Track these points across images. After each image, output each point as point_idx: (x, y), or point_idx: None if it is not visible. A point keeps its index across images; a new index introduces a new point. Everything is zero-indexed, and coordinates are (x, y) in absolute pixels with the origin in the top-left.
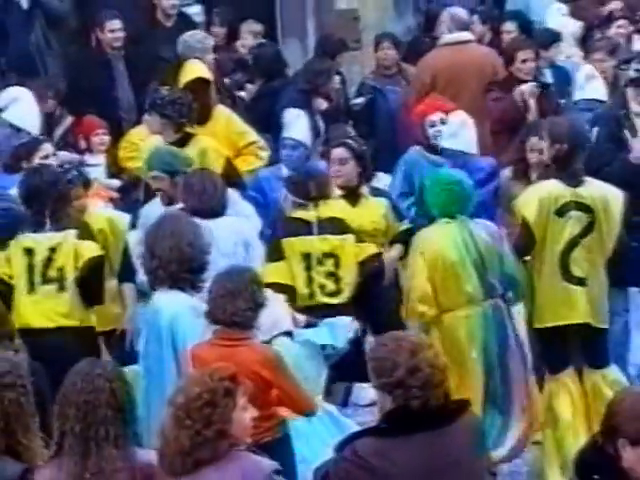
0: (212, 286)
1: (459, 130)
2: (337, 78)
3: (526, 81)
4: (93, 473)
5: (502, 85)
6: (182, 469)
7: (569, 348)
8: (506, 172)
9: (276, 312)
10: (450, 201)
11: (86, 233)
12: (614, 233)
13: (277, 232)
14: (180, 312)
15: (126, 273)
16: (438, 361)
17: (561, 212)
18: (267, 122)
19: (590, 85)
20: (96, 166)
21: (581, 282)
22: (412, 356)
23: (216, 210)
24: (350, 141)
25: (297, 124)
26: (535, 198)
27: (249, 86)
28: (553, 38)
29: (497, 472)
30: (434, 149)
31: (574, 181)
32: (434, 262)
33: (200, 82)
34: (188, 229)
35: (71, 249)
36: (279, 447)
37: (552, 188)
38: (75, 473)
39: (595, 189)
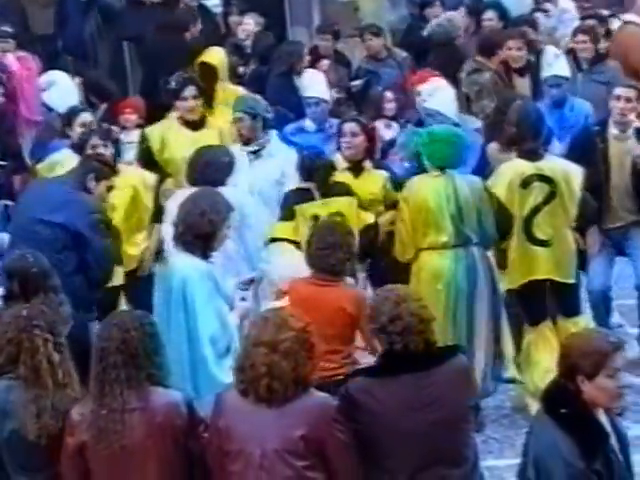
0: (312, 238)
1: (434, 91)
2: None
3: (517, 69)
4: (109, 410)
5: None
6: (284, 397)
7: (545, 303)
8: (493, 145)
9: (295, 261)
10: (443, 155)
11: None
12: (576, 200)
13: (286, 201)
14: (190, 275)
15: (155, 215)
16: (421, 311)
17: (525, 184)
18: None
19: (557, 63)
20: (131, 144)
21: (543, 244)
22: (396, 306)
23: (211, 181)
24: (361, 118)
25: (314, 83)
26: (504, 178)
27: (241, 69)
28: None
29: (482, 407)
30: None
31: (534, 157)
32: (417, 208)
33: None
34: (206, 201)
35: None
36: None
37: (516, 166)
38: (94, 409)
39: (555, 162)
